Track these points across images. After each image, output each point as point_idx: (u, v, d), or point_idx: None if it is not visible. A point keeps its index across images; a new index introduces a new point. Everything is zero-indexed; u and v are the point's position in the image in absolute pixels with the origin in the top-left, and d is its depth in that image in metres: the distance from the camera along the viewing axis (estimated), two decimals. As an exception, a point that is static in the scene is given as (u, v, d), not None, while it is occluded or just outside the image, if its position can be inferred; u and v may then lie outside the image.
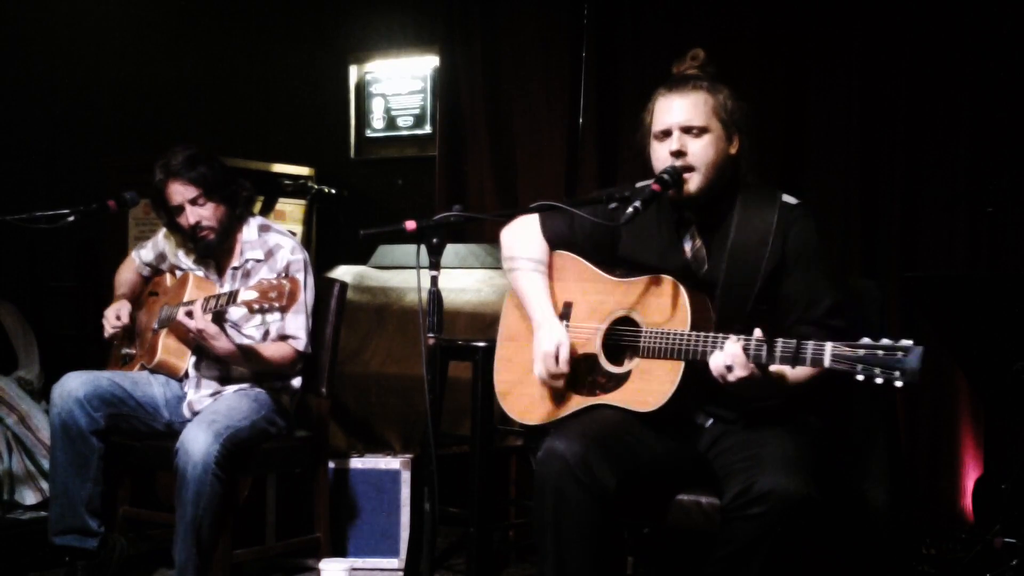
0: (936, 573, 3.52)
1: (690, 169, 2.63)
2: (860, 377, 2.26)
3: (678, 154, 2.63)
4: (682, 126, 2.63)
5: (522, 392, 2.84)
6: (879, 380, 2.23)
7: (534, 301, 2.85)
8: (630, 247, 2.78)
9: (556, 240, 2.91)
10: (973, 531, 3.64)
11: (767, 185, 2.78)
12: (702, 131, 2.63)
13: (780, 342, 2.39)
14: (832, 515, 2.63)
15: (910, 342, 2.22)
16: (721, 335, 2.49)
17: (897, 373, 2.21)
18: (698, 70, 2.72)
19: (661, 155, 2.67)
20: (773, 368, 2.49)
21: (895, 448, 2.93)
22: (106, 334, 3.69)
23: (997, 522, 3.32)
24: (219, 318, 3.35)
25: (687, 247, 2.73)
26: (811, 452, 2.55)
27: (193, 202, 3.49)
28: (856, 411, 2.89)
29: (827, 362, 2.31)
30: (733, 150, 2.68)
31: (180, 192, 3.49)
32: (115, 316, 3.67)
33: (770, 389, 2.54)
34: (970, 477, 3.98)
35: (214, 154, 3.60)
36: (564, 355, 2.72)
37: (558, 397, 2.77)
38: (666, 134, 2.66)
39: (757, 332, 2.42)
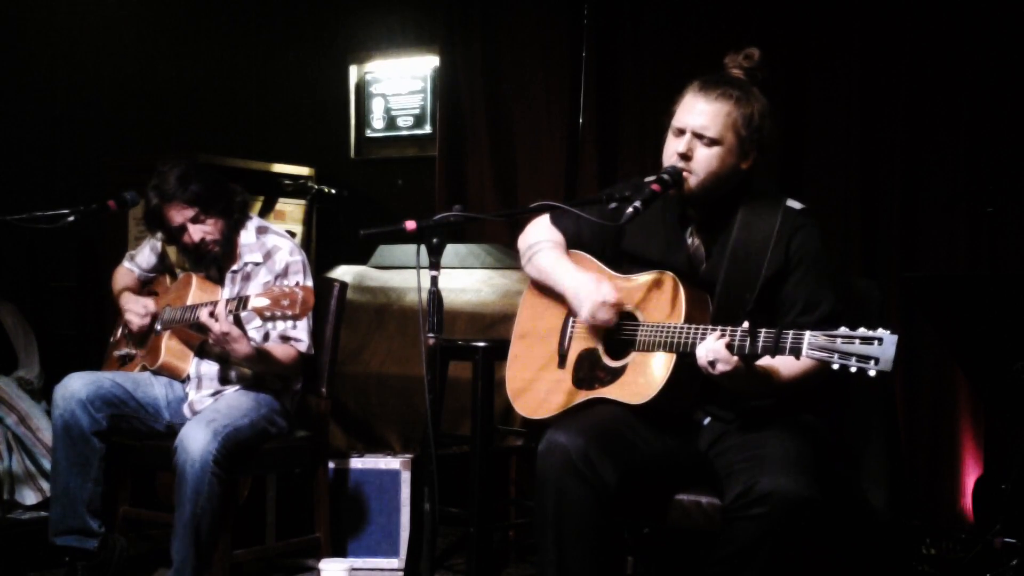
0: (936, 573, 3.52)
1: (690, 172, 2.64)
2: (836, 366, 2.27)
3: (684, 156, 2.63)
4: (695, 131, 2.62)
5: (535, 389, 2.85)
6: (853, 369, 2.24)
7: (558, 266, 2.83)
8: (634, 243, 2.79)
9: (566, 235, 2.94)
10: (973, 531, 3.64)
11: (771, 187, 2.78)
12: (713, 142, 2.62)
13: (763, 332, 2.39)
14: (833, 515, 2.63)
15: (886, 332, 2.23)
16: (708, 327, 2.50)
17: (872, 363, 2.22)
18: (744, 72, 2.69)
19: (670, 149, 2.67)
20: (761, 364, 2.49)
21: (895, 448, 2.94)
22: (137, 324, 3.66)
23: (997, 522, 3.32)
24: (235, 320, 3.34)
25: (689, 245, 2.74)
26: (812, 452, 2.55)
27: (194, 220, 3.49)
28: (856, 411, 2.89)
29: (805, 350, 2.31)
30: (744, 165, 2.67)
31: (179, 214, 3.48)
32: (141, 307, 3.67)
33: (759, 385, 2.54)
34: (970, 477, 3.98)
35: (203, 166, 3.59)
36: (607, 288, 2.69)
37: (562, 392, 2.78)
38: (680, 132, 2.65)
39: (745, 324, 2.43)
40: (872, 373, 2.22)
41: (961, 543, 3.59)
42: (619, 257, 2.83)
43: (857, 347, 2.24)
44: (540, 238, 2.93)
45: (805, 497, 2.40)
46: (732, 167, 2.65)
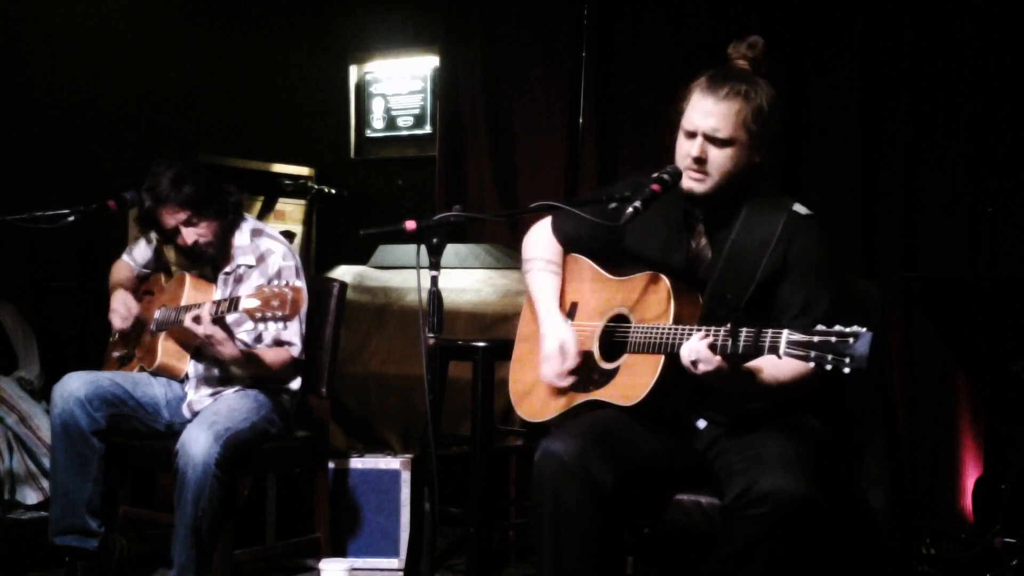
0: (936, 573, 3.52)
1: (705, 174, 2.62)
2: (812, 364, 2.26)
3: (698, 160, 2.61)
4: (707, 133, 2.60)
5: (535, 392, 2.86)
6: (829, 367, 2.23)
7: (540, 300, 2.88)
8: (635, 242, 2.78)
9: (565, 241, 2.94)
10: (973, 531, 3.64)
11: (778, 191, 2.77)
12: (726, 143, 2.59)
13: (744, 331, 2.37)
14: (832, 516, 2.63)
15: (861, 329, 2.21)
16: (693, 327, 2.49)
17: (846, 359, 2.20)
18: (749, 62, 2.67)
19: (682, 151, 2.65)
20: (747, 365, 2.48)
21: (895, 448, 2.93)
22: (117, 326, 3.68)
23: (997, 522, 3.32)
24: (219, 323, 3.35)
25: (692, 244, 2.73)
26: (811, 453, 2.55)
27: (187, 223, 3.48)
28: (855, 411, 2.89)
29: (783, 348, 2.30)
30: (757, 159, 2.64)
31: (172, 216, 3.48)
32: (124, 307, 3.67)
33: (746, 387, 2.52)
34: (970, 477, 3.98)
35: (197, 166, 3.57)
36: (571, 350, 2.74)
37: (559, 395, 2.78)
38: (692, 135, 2.63)
39: (728, 324, 2.42)
40: (846, 371, 2.20)
41: (961, 543, 3.59)
42: (620, 256, 2.82)
43: (833, 344, 2.23)
44: (536, 255, 2.95)
45: (804, 497, 2.40)
46: (746, 164, 2.63)
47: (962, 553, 3.52)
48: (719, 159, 2.61)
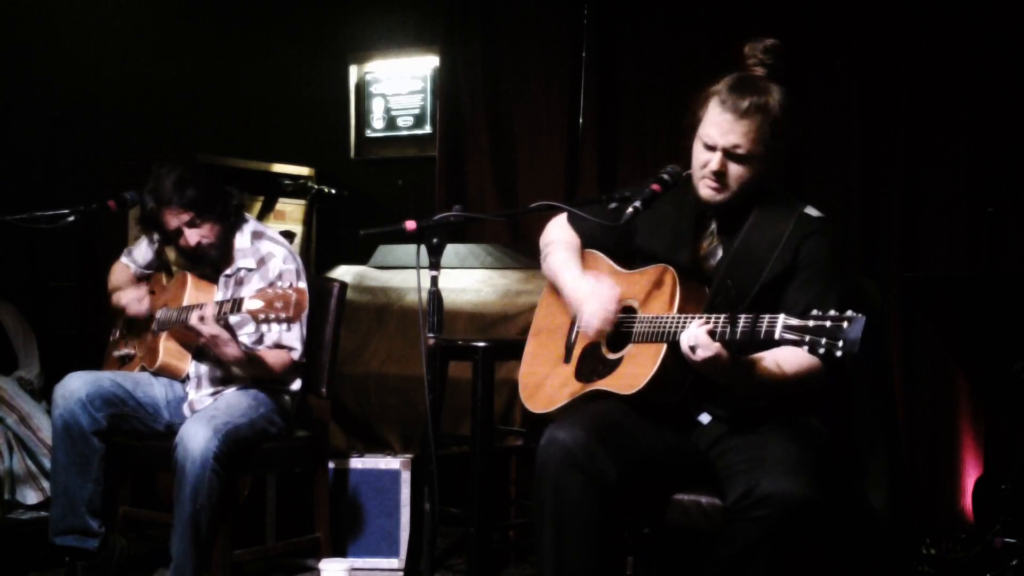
0: (936, 573, 3.52)
1: (724, 185, 2.63)
2: (806, 348, 2.26)
3: (717, 174, 2.62)
4: (727, 149, 2.61)
5: (545, 385, 2.86)
6: (821, 350, 2.24)
7: (565, 270, 2.86)
8: (644, 240, 2.80)
9: (581, 234, 2.96)
10: (973, 531, 3.64)
11: (788, 193, 2.78)
12: (746, 158, 2.61)
13: (742, 317, 2.38)
14: (833, 517, 2.63)
15: (856, 314, 2.22)
16: (694, 316, 2.49)
17: (838, 343, 2.21)
18: (765, 68, 2.67)
19: (699, 160, 2.66)
20: (745, 357, 2.48)
21: (895, 449, 2.93)
22: (132, 312, 3.69)
23: (997, 522, 3.32)
24: (222, 323, 3.35)
25: (703, 244, 2.74)
26: (813, 454, 2.55)
27: (189, 224, 3.49)
28: (856, 412, 2.89)
29: (778, 332, 2.30)
30: (773, 166, 2.66)
31: (175, 218, 3.49)
32: (136, 294, 3.69)
33: (744, 379, 2.51)
34: (970, 477, 3.98)
35: (199, 168, 3.58)
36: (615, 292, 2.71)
37: (567, 386, 2.78)
38: (710, 147, 2.63)
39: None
40: (838, 354, 2.21)
41: (961, 543, 3.59)
42: (632, 254, 2.84)
43: (827, 328, 2.23)
44: (554, 238, 2.97)
45: (806, 499, 2.40)
46: (763, 172, 2.65)
47: (962, 553, 3.52)
48: (738, 172, 2.62)
